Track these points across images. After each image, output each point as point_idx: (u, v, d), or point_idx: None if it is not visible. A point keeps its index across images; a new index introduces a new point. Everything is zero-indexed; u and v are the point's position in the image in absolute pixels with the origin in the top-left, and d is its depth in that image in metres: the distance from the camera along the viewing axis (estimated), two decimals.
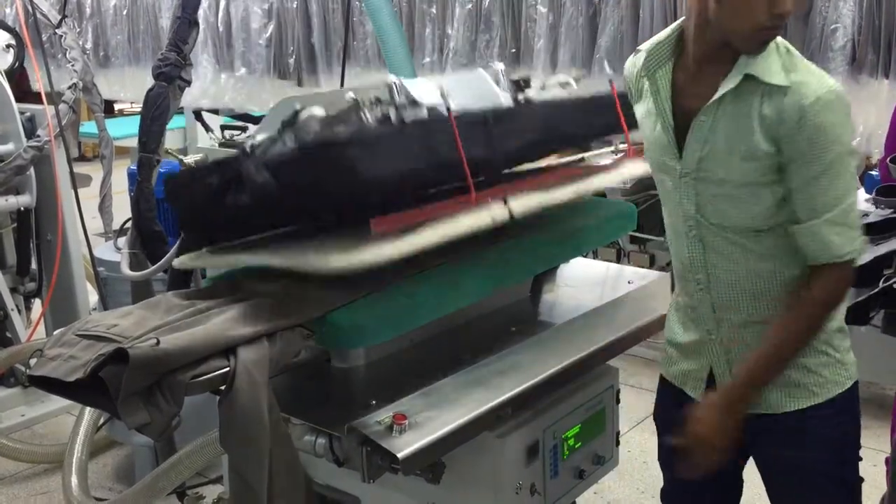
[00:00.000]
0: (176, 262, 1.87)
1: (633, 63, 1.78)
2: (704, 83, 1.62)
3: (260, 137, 1.90)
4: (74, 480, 2.84)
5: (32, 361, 1.61)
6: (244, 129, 2.58)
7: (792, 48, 1.62)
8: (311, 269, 1.68)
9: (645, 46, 1.73)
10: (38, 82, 3.79)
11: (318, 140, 1.64)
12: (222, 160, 1.83)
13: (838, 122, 1.54)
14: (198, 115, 3.26)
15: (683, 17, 1.68)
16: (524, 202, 1.88)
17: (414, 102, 1.88)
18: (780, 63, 1.57)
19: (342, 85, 4.07)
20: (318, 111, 1.81)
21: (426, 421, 1.66)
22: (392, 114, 1.75)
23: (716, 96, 1.60)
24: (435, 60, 4.23)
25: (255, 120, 2.57)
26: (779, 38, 1.59)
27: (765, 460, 1.81)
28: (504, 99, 2.07)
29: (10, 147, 3.69)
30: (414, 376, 1.81)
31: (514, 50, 3.97)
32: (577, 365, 1.96)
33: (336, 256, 1.64)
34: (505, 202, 1.84)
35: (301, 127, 1.69)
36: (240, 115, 4.55)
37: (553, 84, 2.26)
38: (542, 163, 2.08)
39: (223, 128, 2.76)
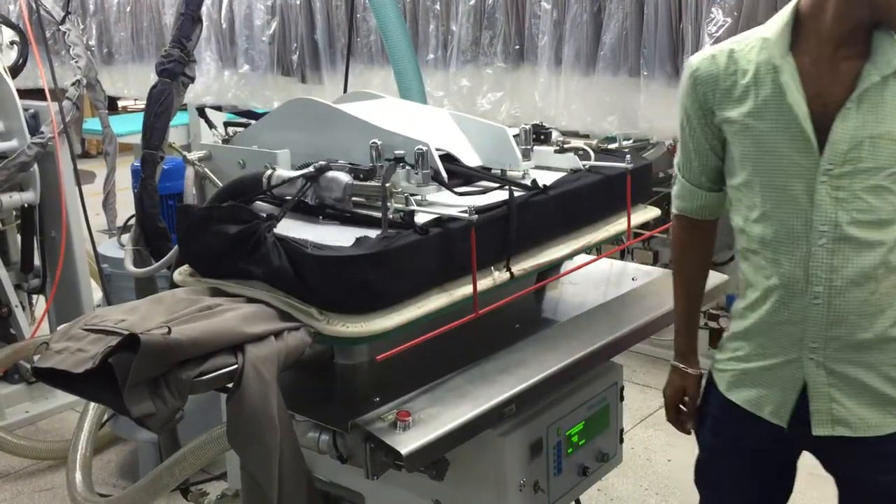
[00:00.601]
0: (177, 279, 1.88)
1: (713, 62, 1.63)
2: (843, 67, 1.52)
3: (279, 173, 1.94)
4: (78, 477, 2.84)
5: (37, 357, 1.61)
6: (247, 126, 2.58)
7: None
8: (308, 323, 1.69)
9: (769, 33, 1.58)
10: (41, 79, 3.79)
11: (339, 255, 1.66)
12: (240, 208, 1.82)
13: None
14: (201, 111, 3.26)
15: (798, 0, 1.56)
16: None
17: (438, 175, 1.94)
18: None
19: (346, 82, 4.06)
20: (344, 177, 1.85)
21: (430, 418, 1.66)
22: (416, 215, 1.78)
23: (869, 81, 1.50)
24: (439, 57, 4.22)
25: (258, 117, 2.57)
26: None
27: (854, 485, 1.71)
28: (523, 164, 2.13)
29: (13, 144, 3.70)
30: (418, 373, 1.81)
31: (517, 46, 3.96)
32: (581, 362, 1.95)
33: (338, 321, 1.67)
34: (511, 273, 1.92)
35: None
36: (243, 112, 4.54)
37: (570, 149, 2.29)
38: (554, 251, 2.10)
39: (226, 124, 2.76)
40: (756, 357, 1.70)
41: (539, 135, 2.36)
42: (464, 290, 1.82)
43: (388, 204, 1.75)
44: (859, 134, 1.51)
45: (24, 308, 3.98)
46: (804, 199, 1.55)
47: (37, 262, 4.03)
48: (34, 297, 4.17)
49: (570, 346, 1.99)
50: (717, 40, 3.05)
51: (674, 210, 1.86)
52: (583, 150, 2.34)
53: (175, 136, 3.85)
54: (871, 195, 1.53)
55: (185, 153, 2.48)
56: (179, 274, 1.90)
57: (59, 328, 1.65)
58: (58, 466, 3.51)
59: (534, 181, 2.07)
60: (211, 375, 1.53)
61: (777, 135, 1.56)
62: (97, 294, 3.98)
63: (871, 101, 1.51)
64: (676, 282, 1.91)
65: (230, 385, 1.56)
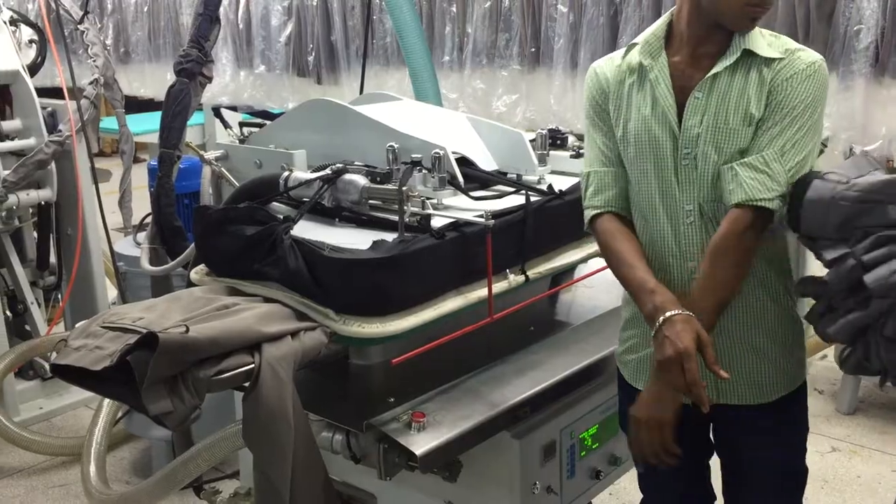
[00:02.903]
0: (194, 278, 1.89)
1: (611, 64, 1.79)
2: (701, 64, 1.69)
3: (297, 175, 1.96)
4: (93, 469, 2.85)
5: (53, 354, 1.62)
6: (262, 127, 2.60)
7: (778, 34, 1.71)
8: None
9: (640, 38, 1.76)
10: (59, 77, 3.82)
11: (356, 258, 1.68)
12: (257, 209, 1.83)
13: (817, 90, 1.64)
14: (217, 111, 3.28)
15: (674, 7, 1.75)
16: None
17: (454, 179, 1.95)
18: (768, 41, 1.68)
19: (362, 84, 4.07)
20: (361, 180, 1.87)
21: (444, 419, 1.66)
22: (432, 219, 1.80)
23: (712, 72, 1.66)
24: (454, 59, 4.23)
25: (274, 117, 2.58)
26: (763, 30, 1.69)
27: (737, 456, 1.82)
28: (539, 169, 2.15)
29: (31, 141, 3.72)
30: (432, 374, 1.81)
31: (533, 49, 3.96)
32: (594, 365, 1.96)
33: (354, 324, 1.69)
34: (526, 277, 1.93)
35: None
36: (258, 112, 4.56)
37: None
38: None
39: (242, 125, 2.77)
40: (648, 343, 1.74)
41: (555, 140, 2.37)
42: (479, 293, 1.83)
43: (405, 207, 1.76)
44: (708, 121, 1.66)
45: (39, 305, 4.00)
46: (673, 181, 1.70)
47: (53, 259, 4.05)
48: (50, 294, 4.18)
49: (584, 349, 2.00)
50: None
51: (592, 213, 1.80)
52: None
53: (190, 135, 3.88)
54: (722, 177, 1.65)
55: (202, 152, 2.49)
56: (196, 273, 1.91)
57: (77, 325, 1.66)
58: (71, 463, 3.53)
59: (549, 186, 2.07)
60: (228, 374, 1.54)
61: (651, 124, 1.71)
62: (112, 292, 4.00)
63: (719, 90, 1.66)
64: (623, 261, 1.74)
65: (247, 384, 1.57)
